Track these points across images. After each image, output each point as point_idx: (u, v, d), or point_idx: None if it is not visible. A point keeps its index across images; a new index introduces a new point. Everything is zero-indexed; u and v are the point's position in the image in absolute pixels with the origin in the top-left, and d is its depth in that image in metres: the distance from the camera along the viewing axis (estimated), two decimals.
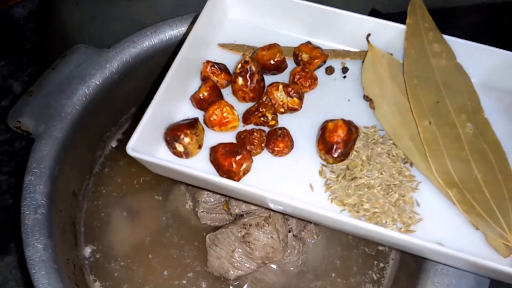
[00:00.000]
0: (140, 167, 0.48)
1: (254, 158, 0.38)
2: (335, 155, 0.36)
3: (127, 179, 0.49)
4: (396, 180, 0.37)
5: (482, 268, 0.33)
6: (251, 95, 0.40)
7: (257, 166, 0.37)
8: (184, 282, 0.44)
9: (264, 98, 0.40)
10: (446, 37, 0.41)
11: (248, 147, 0.37)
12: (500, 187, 0.35)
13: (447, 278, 0.37)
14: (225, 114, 0.37)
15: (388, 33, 0.41)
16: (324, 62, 0.43)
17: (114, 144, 0.51)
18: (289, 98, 0.39)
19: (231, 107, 0.38)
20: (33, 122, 0.40)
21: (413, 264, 0.40)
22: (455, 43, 0.40)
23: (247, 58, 0.38)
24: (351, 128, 0.37)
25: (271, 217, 0.43)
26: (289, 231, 0.44)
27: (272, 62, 0.41)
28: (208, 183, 0.35)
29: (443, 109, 0.38)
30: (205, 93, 0.38)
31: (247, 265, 0.42)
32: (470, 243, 0.35)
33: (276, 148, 0.37)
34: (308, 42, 0.43)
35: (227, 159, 0.35)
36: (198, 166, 0.37)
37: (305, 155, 0.38)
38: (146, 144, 0.35)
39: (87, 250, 0.45)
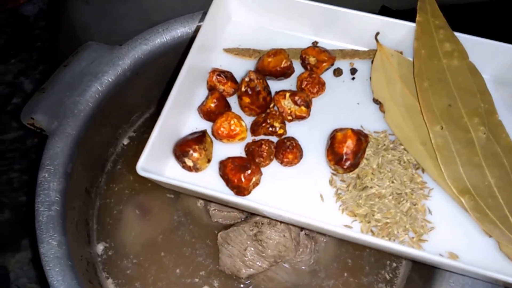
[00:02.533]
0: None
1: (263, 169, 0.37)
2: (345, 167, 0.36)
3: (139, 177, 0.47)
4: (408, 188, 0.36)
5: (494, 280, 0.32)
6: (258, 110, 0.39)
7: (266, 177, 0.37)
8: (196, 280, 0.43)
9: (271, 106, 0.40)
10: (457, 34, 0.40)
11: (257, 160, 0.37)
12: None
13: (463, 278, 0.36)
14: (232, 127, 0.37)
15: (398, 32, 0.40)
16: (332, 64, 0.42)
17: (126, 141, 0.51)
18: (296, 107, 0.39)
19: (239, 119, 0.38)
20: (46, 119, 0.41)
21: (427, 264, 0.39)
22: (467, 40, 0.39)
23: (252, 76, 0.38)
24: (361, 138, 0.36)
25: None
26: (301, 230, 0.44)
27: (278, 69, 0.40)
28: (218, 199, 0.35)
29: (455, 112, 0.37)
30: (212, 105, 0.38)
31: (259, 264, 0.42)
32: (483, 251, 0.34)
33: (285, 159, 0.37)
34: (315, 43, 0.43)
35: (236, 174, 0.35)
36: (209, 181, 0.37)
37: (314, 164, 0.38)
38: (156, 160, 0.35)
39: (100, 248, 0.45)
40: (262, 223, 0.42)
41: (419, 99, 0.37)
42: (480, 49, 0.39)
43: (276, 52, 0.41)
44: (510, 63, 0.39)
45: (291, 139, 0.38)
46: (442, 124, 0.36)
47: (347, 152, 0.35)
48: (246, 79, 0.38)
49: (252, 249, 0.42)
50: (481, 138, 0.36)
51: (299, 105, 0.38)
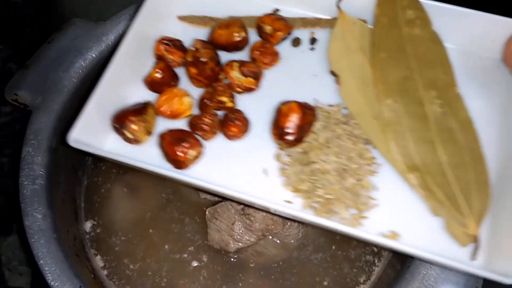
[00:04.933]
0: None
1: (208, 142, 0.36)
2: (288, 141, 0.34)
3: None
4: (354, 163, 0.34)
5: (435, 262, 0.31)
6: (206, 81, 0.38)
7: (211, 150, 0.36)
8: (185, 255, 0.44)
9: (220, 78, 0.38)
10: (422, 0, 0.37)
11: (199, 133, 0.36)
12: (467, 170, 0.32)
13: None
14: (176, 107, 0.35)
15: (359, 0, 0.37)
16: (289, 34, 0.39)
17: None
18: (244, 78, 0.37)
19: (182, 96, 0.36)
20: (30, 95, 0.40)
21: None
22: (432, 7, 0.36)
23: (198, 46, 0.36)
24: (306, 111, 0.34)
25: None
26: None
27: (229, 42, 0.38)
28: (157, 174, 0.34)
29: (410, 85, 0.34)
30: (157, 75, 0.36)
31: (247, 238, 0.42)
32: (428, 231, 0.32)
33: (229, 133, 0.36)
34: (276, 11, 0.40)
35: (173, 147, 0.34)
36: (150, 155, 0.35)
37: (261, 139, 0.36)
38: (93, 132, 0.34)
39: (88, 225, 0.45)
40: None
41: (373, 70, 0.35)
42: (446, 17, 0.36)
43: (228, 24, 0.38)
44: (478, 32, 0.37)
45: (237, 111, 0.36)
46: (395, 97, 0.34)
47: (290, 126, 0.33)
48: (192, 49, 0.36)
49: (240, 223, 0.42)
50: (437, 113, 0.34)
51: (247, 76, 0.37)
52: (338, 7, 0.38)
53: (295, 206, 0.33)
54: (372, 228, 0.32)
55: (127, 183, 0.47)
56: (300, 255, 0.44)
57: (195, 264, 0.43)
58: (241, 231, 0.42)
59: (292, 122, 0.33)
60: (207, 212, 0.43)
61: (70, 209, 0.43)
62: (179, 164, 0.34)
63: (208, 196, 0.46)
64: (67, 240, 0.39)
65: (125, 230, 0.45)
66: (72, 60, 0.42)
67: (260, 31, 0.40)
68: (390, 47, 0.35)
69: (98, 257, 0.44)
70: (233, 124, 0.35)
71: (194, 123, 0.36)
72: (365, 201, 0.33)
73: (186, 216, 0.45)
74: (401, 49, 0.35)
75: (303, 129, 0.34)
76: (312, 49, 0.40)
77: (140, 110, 0.35)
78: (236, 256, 0.43)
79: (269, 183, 0.35)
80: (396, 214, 0.33)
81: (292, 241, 0.44)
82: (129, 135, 0.35)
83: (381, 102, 0.34)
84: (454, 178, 0.32)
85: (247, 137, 0.36)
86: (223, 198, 0.45)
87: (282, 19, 0.39)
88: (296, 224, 0.44)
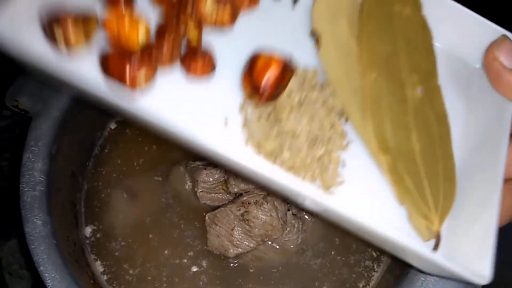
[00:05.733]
0: (140, 148, 0.49)
1: (163, 76, 0.30)
2: (262, 98, 0.30)
3: (126, 161, 0.49)
4: (326, 133, 0.31)
5: (389, 244, 0.29)
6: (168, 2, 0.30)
7: (165, 88, 0.29)
8: (185, 260, 0.44)
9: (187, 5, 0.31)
10: None
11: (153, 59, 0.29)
12: (437, 163, 0.31)
13: None
14: (127, 30, 0.28)
15: None
16: None
17: (113, 126, 0.51)
18: (218, 9, 0.31)
19: (135, 23, 0.28)
20: (30, 101, 0.41)
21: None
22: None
23: None
24: (287, 68, 0.30)
25: (270, 195, 0.43)
26: (288, 210, 0.44)
27: None
28: (93, 96, 0.27)
29: (395, 64, 0.32)
30: None
31: (247, 243, 0.43)
32: (391, 218, 0.30)
33: (192, 67, 0.30)
34: None
35: (120, 61, 0.27)
36: (86, 70, 0.28)
37: (226, 85, 0.31)
38: (17, 22, 0.27)
39: (88, 230, 0.45)
40: (249, 203, 0.43)
41: (360, 39, 0.33)
42: (437, 9, 0.34)
43: None
44: (465, 33, 0.35)
45: (205, 47, 0.31)
46: (378, 72, 0.32)
47: (267, 82, 0.29)
48: None
49: (240, 229, 0.43)
50: (416, 98, 0.32)
51: (223, 6, 0.31)
52: None
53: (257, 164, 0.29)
54: (332, 201, 0.29)
55: (127, 188, 0.48)
56: (299, 260, 0.44)
57: (194, 269, 0.43)
58: (240, 236, 0.43)
59: (269, 78, 0.29)
60: (207, 218, 0.44)
61: (70, 214, 0.43)
62: (124, 80, 0.27)
63: (208, 202, 0.46)
64: (67, 246, 0.39)
65: (125, 235, 0.45)
66: None
67: None
68: (379, 19, 0.33)
69: (98, 262, 0.44)
70: (199, 57, 0.30)
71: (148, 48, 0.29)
72: (332, 176, 0.31)
73: (185, 221, 0.45)
74: (390, 24, 0.33)
75: (280, 87, 0.30)
76: (295, 1, 0.36)
77: (84, 16, 0.28)
78: (235, 262, 0.44)
79: (228, 134, 0.30)
80: (360, 196, 0.31)
81: (292, 246, 0.44)
82: (61, 38, 0.27)
83: (364, 76, 0.32)
84: (424, 169, 0.31)
85: (209, 80, 0.31)
86: (222, 204, 0.45)
87: None
88: (295, 229, 0.44)
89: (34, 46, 0.28)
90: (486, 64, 0.32)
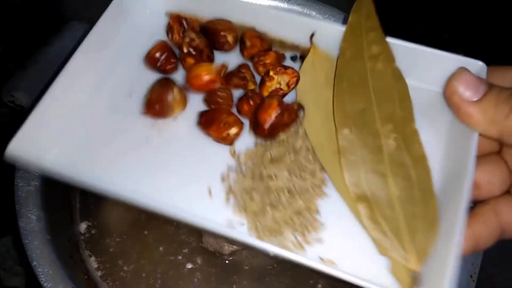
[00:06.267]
0: None
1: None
2: (258, 133, 0.35)
3: None
4: (307, 183, 0.34)
5: None
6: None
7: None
8: (180, 257, 0.44)
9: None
10: (389, 39, 0.37)
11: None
12: (415, 206, 0.32)
13: None
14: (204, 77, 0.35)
15: (333, 35, 0.37)
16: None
17: None
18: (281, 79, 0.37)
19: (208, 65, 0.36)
20: (26, 97, 0.41)
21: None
22: (396, 45, 0.36)
23: (192, 36, 0.36)
24: (285, 112, 0.34)
25: None
26: None
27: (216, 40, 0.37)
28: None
29: (368, 117, 0.34)
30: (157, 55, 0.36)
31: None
32: (371, 270, 0.31)
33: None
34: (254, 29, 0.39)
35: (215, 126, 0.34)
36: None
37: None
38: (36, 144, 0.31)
39: (83, 226, 0.45)
40: None
41: (334, 100, 0.35)
42: (408, 55, 0.36)
43: (219, 23, 0.38)
44: (429, 67, 0.37)
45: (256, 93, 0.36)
46: (352, 127, 0.34)
47: (265, 121, 0.34)
48: (187, 40, 0.36)
49: None
50: (391, 146, 0.33)
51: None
52: (311, 41, 0.38)
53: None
54: (313, 254, 0.31)
55: None
56: None
57: (189, 266, 0.43)
58: None
59: (269, 116, 0.33)
60: None
61: (65, 210, 0.43)
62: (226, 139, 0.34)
63: None
64: (61, 242, 0.39)
65: (120, 231, 0.45)
66: None
67: (242, 44, 0.39)
68: (352, 79, 0.36)
69: (93, 258, 0.44)
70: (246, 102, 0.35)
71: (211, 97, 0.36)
72: (312, 226, 0.32)
73: None
74: (363, 82, 0.36)
75: (277, 127, 0.34)
76: (294, 59, 0.40)
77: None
78: (230, 258, 0.44)
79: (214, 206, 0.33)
80: (339, 244, 0.32)
81: None
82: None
83: (338, 132, 0.34)
84: (402, 213, 0.32)
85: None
86: None
87: (259, 37, 0.38)
88: None
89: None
90: (446, 96, 0.33)
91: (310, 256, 0.31)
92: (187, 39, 0.36)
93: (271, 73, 0.36)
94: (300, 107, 0.36)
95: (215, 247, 0.43)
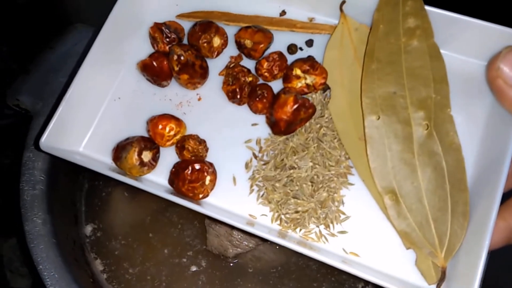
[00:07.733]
0: None
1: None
2: (274, 130, 0.34)
3: None
4: (331, 172, 0.32)
5: None
6: (201, 80, 0.37)
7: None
8: (184, 260, 0.44)
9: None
10: (429, 8, 0.33)
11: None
12: (445, 199, 0.30)
13: None
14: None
15: (365, 3, 0.34)
16: (270, 43, 0.37)
17: None
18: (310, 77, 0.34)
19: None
20: (31, 100, 0.41)
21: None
22: (438, 16, 0.32)
23: (178, 52, 0.34)
24: (301, 108, 0.32)
25: None
26: None
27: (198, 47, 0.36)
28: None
29: (398, 102, 0.32)
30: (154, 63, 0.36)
31: (246, 243, 0.43)
32: (396, 263, 0.30)
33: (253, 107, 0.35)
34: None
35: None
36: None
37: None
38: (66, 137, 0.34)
39: (88, 229, 0.45)
40: None
41: (362, 82, 0.33)
42: (448, 25, 0.33)
43: (206, 27, 0.36)
44: (474, 39, 0.33)
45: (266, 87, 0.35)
46: (380, 114, 0.32)
47: (281, 118, 0.32)
48: (174, 58, 0.35)
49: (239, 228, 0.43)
50: (422, 135, 0.31)
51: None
52: (341, 10, 0.35)
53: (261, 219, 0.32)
54: (336, 246, 0.31)
55: (127, 187, 0.47)
56: (298, 260, 0.44)
57: (194, 268, 0.43)
58: (239, 236, 0.42)
59: (284, 114, 0.32)
60: (206, 217, 0.44)
61: (70, 213, 0.44)
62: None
63: None
64: (67, 245, 0.39)
65: (125, 234, 0.45)
66: (72, 66, 0.43)
67: (240, 46, 0.37)
68: (383, 59, 0.33)
69: (98, 261, 0.44)
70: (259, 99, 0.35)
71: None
72: (335, 217, 0.32)
73: (185, 220, 0.45)
74: (394, 61, 0.33)
75: (293, 124, 0.33)
76: (310, 44, 0.37)
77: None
78: (235, 261, 0.44)
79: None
80: (363, 236, 0.31)
81: None
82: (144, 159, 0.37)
83: (365, 118, 0.32)
84: (430, 206, 0.30)
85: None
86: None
87: (261, 30, 0.37)
88: None
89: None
90: (489, 79, 0.30)
91: (333, 248, 0.30)
92: (175, 57, 0.35)
93: (298, 71, 0.34)
94: (327, 87, 0.34)
95: (220, 250, 0.43)
